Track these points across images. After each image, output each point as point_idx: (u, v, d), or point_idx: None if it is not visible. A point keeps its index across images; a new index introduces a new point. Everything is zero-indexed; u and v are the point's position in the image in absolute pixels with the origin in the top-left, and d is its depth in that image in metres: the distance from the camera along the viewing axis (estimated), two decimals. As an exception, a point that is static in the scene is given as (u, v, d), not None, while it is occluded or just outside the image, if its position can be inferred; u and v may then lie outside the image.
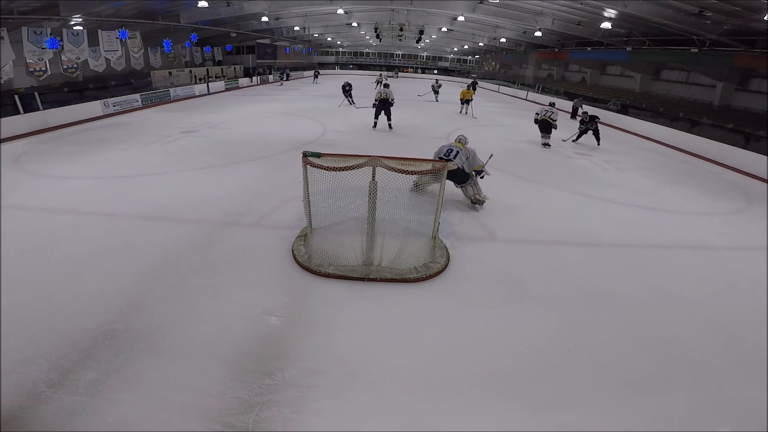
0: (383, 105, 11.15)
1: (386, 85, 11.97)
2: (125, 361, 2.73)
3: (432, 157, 5.75)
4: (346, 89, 16.27)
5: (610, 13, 15.28)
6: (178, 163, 7.46)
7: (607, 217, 5.91)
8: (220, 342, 2.95)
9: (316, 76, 31.99)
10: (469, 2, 18.02)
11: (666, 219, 6.07)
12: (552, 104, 11.17)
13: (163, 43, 19.01)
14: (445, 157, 5.67)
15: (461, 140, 6.09)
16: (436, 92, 20.81)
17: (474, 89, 22.97)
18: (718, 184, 8.54)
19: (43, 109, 10.42)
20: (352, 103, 16.20)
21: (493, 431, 2.39)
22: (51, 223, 4.78)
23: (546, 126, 10.53)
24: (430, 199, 5.39)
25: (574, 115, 16.99)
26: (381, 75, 26.93)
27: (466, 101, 15.93)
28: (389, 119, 11.47)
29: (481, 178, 6.02)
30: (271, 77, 28.30)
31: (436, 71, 46.86)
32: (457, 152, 5.77)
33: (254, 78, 26.15)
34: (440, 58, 47.52)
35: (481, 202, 5.87)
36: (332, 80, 30.36)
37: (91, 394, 2.46)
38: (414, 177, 5.32)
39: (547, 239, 5.03)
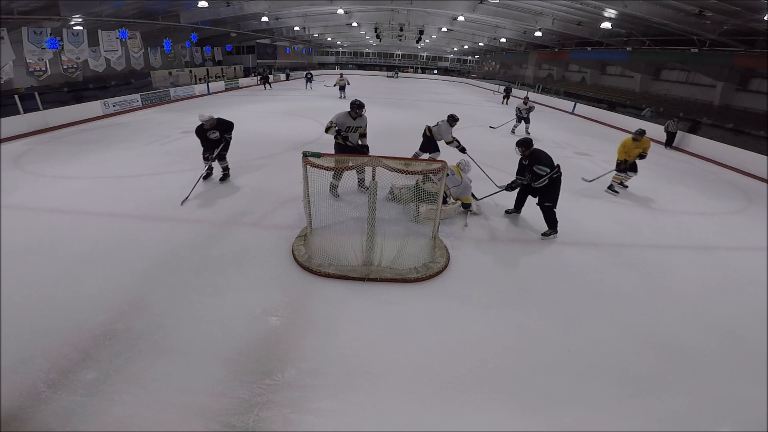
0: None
1: (357, 106, 5.39)
2: (125, 361, 2.73)
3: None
4: (209, 142, 6.21)
5: (610, 13, 15.30)
6: (178, 163, 7.46)
7: (607, 217, 5.91)
8: (220, 342, 2.95)
9: (309, 80, 23.91)
10: (469, 2, 18.03)
11: (666, 219, 6.06)
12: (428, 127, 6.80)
13: (163, 43, 19.02)
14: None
15: (461, 167, 5.33)
16: (525, 118, 12.12)
17: (507, 98, 21.09)
18: (718, 184, 8.53)
19: (43, 109, 10.41)
20: (208, 171, 6.45)
21: (493, 431, 2.39)
22: (51, 223, 4.78)
23: (428, 143, 6.78)
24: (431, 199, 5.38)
25: (670, 142, 12.11)
26: (342, 76, 20.34)
27: (630, 166, 6.98)
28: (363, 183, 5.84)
29: (467, 210, 5.40)
30: (271, 77, 28.17)
31: (435, 71, 46.86)
32: (449, 174, 4.79)
33: (257, 77, 24.04)
34: (440, 58, 47.57)
35: (467, 206, 5.32)
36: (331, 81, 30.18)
37: (91, 394, 2.46)
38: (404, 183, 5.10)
39: (547, 239, 5.02)
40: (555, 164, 4.83)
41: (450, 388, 2.66)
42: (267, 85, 22.85)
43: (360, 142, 5.69)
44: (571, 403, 2.62)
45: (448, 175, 4.70)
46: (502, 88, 24.41)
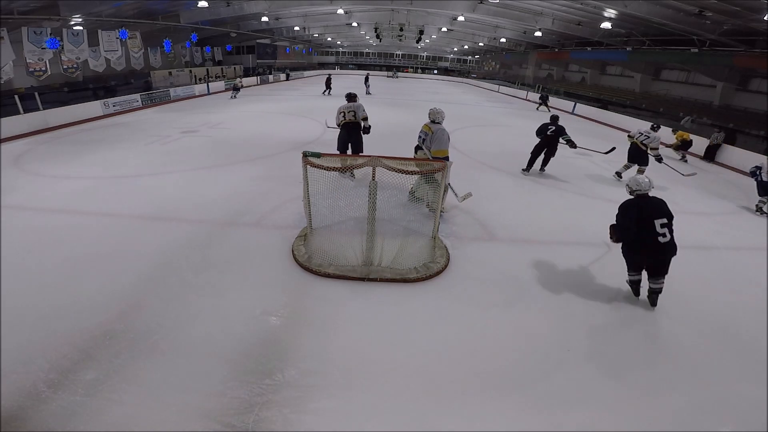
0: (351, 133, 6.45)
1: (351, 96, 6.56)
2: (125, 361, 2.73)
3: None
4: None
5: (610, 13, 15.30)
6: (178, 163, 7.46)
7: (607, 217, 5.84)
8: (220, 342, 2.95)
9: (366, 83, 22.07)
10: (469, 2, 18.03)
11: (666, 219, 6.05)
12: (655, 127, 7.91)
13: (163, 43, 19.02)
14: (419, 146, 5.25)
15: (430, 117, 5.22)
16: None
17: (547, 106, 19.03)
18: (718, 184, 8.54)
19: (43, 109, 10.42)
20: None
21: (493, 431, 2.39)
22: (51, 223, 4.78)
23: (637, 153, 7.50)
24: (431, 199, 5.37)
25: (712, 154, 10.83)
26: (241, 79, 18.68)
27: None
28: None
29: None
30: (271, 77, 28.07)
31: (435, 71, 46.84)
32: (423, 138, 5.04)
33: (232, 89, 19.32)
34: (440, 58, 47.57)
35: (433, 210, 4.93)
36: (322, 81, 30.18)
37: (91, 394, 2.46)
38: (412, 182, 5.09)
39: (547, 239, 5.03)
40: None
41: (450, 388, 2.66)
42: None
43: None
44: (571, 403, 2.62)
45: (423, 139, 5.16)
46: (537, 95, 20.77)
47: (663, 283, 3.55)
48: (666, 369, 2.97)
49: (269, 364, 2.77)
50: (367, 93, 21.19)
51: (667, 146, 10.37)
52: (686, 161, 10.29)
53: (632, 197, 3.66)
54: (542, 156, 7.74)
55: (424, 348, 3.02)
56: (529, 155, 7.77)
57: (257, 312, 3.31)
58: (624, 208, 3.56)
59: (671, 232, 3.41)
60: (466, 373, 2.79)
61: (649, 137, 7.41)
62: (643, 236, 3.39)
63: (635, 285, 3.77)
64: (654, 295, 3.63)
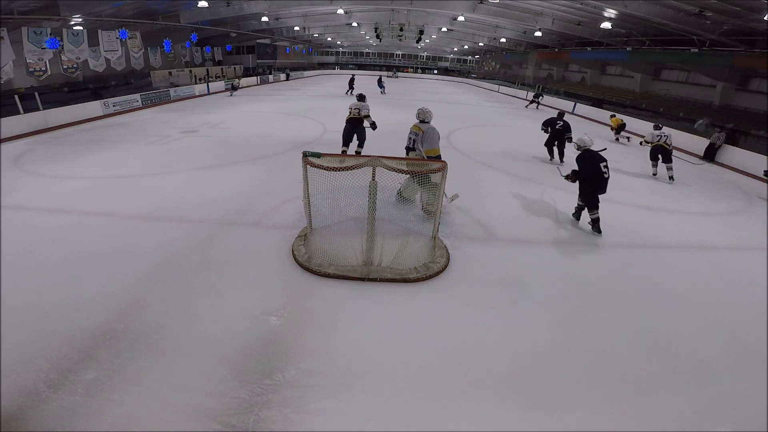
0: (354, 126, 7.37)
1: (361, 97, 7.69)
2: (125, 361, 2.73)
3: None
4: None
5: (610, 13, 15.29)
6: (178, 163, 7.46)
7: (607, 217, 5.89)
8: (220, 342, 2.95)
9: (380, 85, 23.11)
10: (469, 2, 18.03)
11: (666, 219, 6.06)
12: (660, 126, 8.68)
13: (163, 43, 19.02)
14: (410, 147, 5.21)
15: (418, 117, 5.25)
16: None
17: (538, 101, 20.05)
18: (718, 184, 8.53)
19: (43, 109, 10.42)
20: None
21: (493, 431, 2.39)
22: (51, 224, 4.78)
23: (662, 152, 8.10)
24: (425, 200, 5.37)
25: (712, 154, 10.71)
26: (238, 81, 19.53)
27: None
28: (361, 146, 7.56)
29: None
30: (271, 77, 28.06)
31: (435, 71, 46.84)
32: (413, 139, 5.05)
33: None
34: (440, 58, 47.57)
35: (430, 212, 4.93)
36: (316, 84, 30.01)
37: (91, 394, 2.46)
38: (401, 182, 5.09)
39: (547, 239, 5.03)
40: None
41: (450, 388, 2.66)
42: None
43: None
44: (571, 403, 2.62)
45: (413, 140, 5.29)
46: (531, 93, 21.66)
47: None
48: (666, 369, 2.97)
49: (269, 364, 2.77)
50: (382, 93, 22.21)
51: (612, 129, 13.03)
52: (626, 142, 12.53)
53: (580, 152, 5.18)
54: (556, 149, 8.64)
55: (424, 348, 3.02)
56: (546, 149, 8.86)
57: (257, 312, 3.31)
58: (580, 160, 5.13)
59: (609, 170, 5.04)
60: (466, 373, 2.79)
61: (668, 137, 8.12)
62: (596, 176, 4.94)
63: (597, 222, 5.11)
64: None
